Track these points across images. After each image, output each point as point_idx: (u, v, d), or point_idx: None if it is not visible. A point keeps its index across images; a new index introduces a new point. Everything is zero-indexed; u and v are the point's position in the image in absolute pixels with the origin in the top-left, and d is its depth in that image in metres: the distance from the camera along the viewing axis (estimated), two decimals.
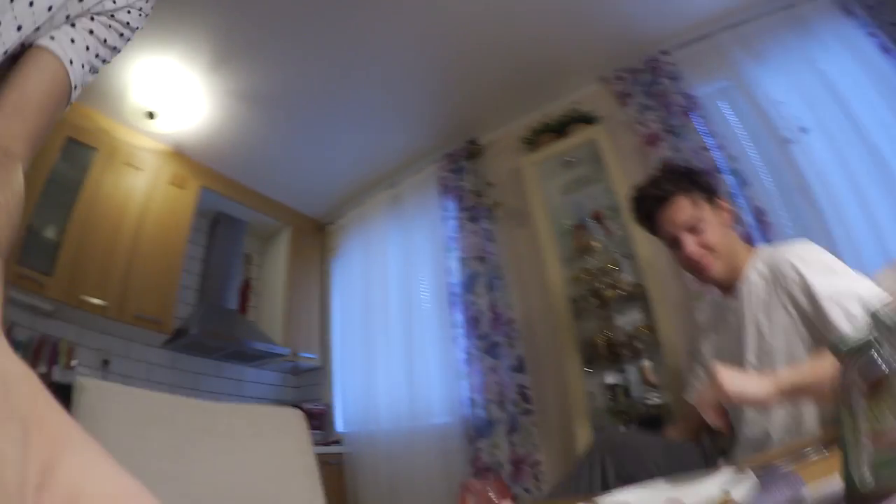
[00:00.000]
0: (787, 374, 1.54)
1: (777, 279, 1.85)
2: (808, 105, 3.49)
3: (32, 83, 0.90)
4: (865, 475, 0.72)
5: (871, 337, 0.67)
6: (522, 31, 3.80)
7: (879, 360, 0.67)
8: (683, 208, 2.01)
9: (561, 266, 3.85)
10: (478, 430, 3.84)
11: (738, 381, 1.46)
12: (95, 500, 0.25)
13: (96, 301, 3.66)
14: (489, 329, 4.05)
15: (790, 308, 1.78)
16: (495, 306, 4.10)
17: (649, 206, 2.11)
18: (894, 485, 0.69)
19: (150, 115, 3.99)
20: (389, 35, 3.69)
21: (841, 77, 3.45)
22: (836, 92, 3.42)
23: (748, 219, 3.37)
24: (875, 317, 0.66)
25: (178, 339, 4.10)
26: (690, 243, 1.98)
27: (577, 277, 3.86)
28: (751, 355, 1.89)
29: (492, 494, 1.43)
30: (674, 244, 2.06)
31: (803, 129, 3.44)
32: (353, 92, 4.14)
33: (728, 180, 3.50)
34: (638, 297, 3.62)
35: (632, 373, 3.61)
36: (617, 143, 3.95)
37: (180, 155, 4.49)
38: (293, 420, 1.86)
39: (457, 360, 4.15)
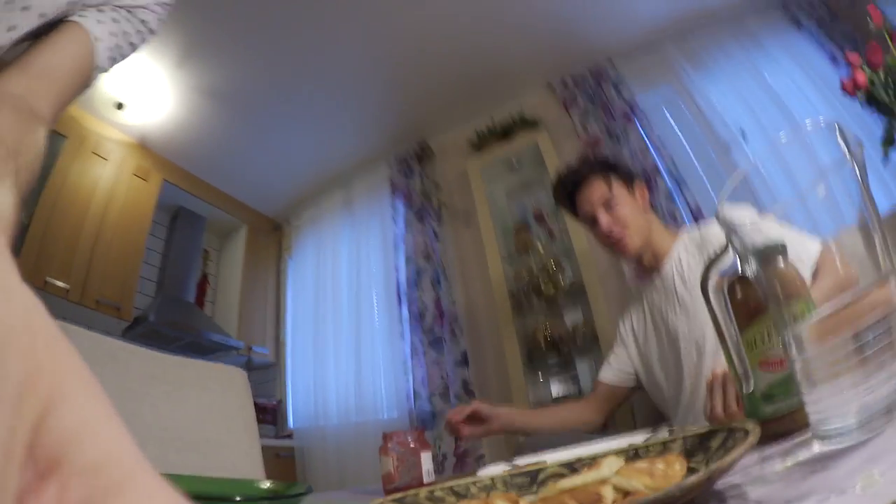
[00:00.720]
0: None
1: (706, 247, 2.00)
2: (751, 111, 3.66)
3: (62, 50, 0.93)
4: (758, 401, 0.80)
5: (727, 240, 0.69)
6: (472, 38, 3.96)
7: (736, 259, 0.68)
8: (598, 187, 2.15)
9: (503, 263, 3.98)
10: (422, 423, 3.90)
11: None
12: (75, 471, 0.22)
13: (60, 284, 3.71)
14: (433, 323, 4.14)
15: None
16: (440, 302, 4.20)
17: (568, 188, 2.25)
18: (786, 407, 0.77)
19: (119, 106, 4.07)
20: (344, 41, 3.83)
21: (786, 85, 3.64)
22: (780, 99, 3.61)
23: (685, 217, 3.55)
24: (718, 216, 0.67)
25: (137, 327, 4.16)
26: (604, 219, 2.11)
27: (518, 275, 4.01)
28: (681, 324, 2.00)
29: (411, 442, 1.58)
30: (592, 223, 2.17)
31: (743, 134, 3.63)
32: (310, 94, 4.27)
33: (666, 181, 3.67)
34: (578, 293, 3.76)
35: (582, 371, 3.74)
36: (559, 146, 4.13)
37: (145, 148, 4.55)
38: (237, 378, 1.98)
39: (403, 356, 4.23)
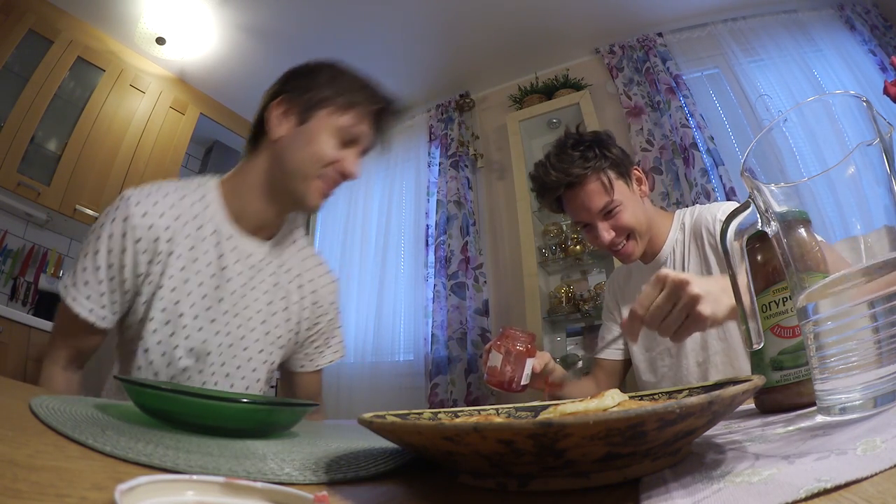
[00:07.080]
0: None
1: (697, 232, 1.84)
2: (794, 101, 3.62)
3: None
4: (767, 367, 0.79)
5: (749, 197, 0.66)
6: None
7: (757, 215, 0.66)
8: (597, 193, 1.80)
9: (533, 218, 3.98)
10: (437, 367, 3.92)
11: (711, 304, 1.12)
12: None
13: (89, 211, 3.79)
14: (458, 269, 4.15)
15: (710, 256, 1.79)
16: (467, 249, 4.21)
17: (558, 192, 1.88)
18: (794, 376, 0.75)
19: (160, 41, 4.11)
20: None
21: (832, 84, 3.56)
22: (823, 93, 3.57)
23: (719, 196, 3.50)
24: (743, 170, 0.66)
25: None
26: (606, 233, 1.82)
27: (547, 231, 4.04)
28: None
29: (522, 345, 1.64)
30: (587, 228, 1.89)
31: (785, 120, 3.57)
32: (356, 37, 4.25)
33: (703, 158, 3.63)
34: (603, 255, 3.75)
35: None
36: (601, 111, 4.11)
37: (183, 82, 4.61)
38: None
39: (425, 300, 4.25)
